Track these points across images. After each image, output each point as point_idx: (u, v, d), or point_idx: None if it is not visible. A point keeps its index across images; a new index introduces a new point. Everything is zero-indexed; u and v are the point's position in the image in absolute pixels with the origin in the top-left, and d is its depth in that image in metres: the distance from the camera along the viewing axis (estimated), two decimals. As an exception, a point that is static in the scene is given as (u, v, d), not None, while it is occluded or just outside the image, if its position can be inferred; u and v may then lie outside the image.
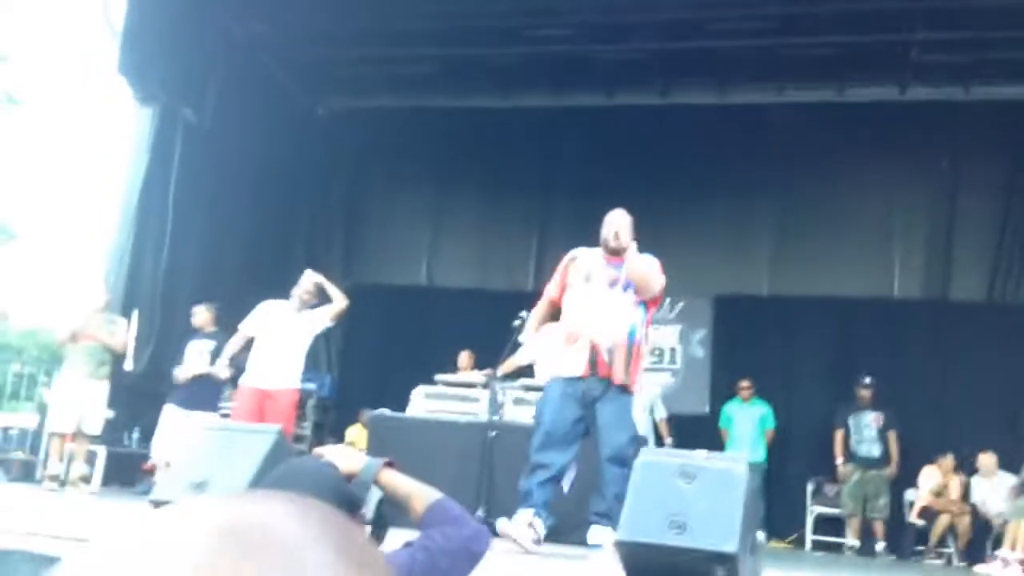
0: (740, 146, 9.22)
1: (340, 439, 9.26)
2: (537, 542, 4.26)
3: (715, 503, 2.69)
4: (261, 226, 9.29)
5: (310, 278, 6.30)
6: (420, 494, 1.88)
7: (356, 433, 8.77)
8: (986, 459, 8.08)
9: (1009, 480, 7.59)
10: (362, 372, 9.86)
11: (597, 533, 4.35)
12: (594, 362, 4.41)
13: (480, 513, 5.37)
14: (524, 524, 4.26)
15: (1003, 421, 7.60)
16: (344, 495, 1.81)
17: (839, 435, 8.49)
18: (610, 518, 4.11)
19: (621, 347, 4.42)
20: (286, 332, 6.17)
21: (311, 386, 8.96)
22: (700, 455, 2.92)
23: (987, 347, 8.54)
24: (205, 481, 3.07)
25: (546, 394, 4.58)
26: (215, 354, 6.71)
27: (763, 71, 8.77)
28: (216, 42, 8.40)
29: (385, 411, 6.15)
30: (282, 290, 6.64)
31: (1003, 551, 6.99)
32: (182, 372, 6.81)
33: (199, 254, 8.52)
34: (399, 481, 1.90)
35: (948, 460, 8.37)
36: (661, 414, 8.39)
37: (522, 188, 10.22)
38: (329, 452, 1.93)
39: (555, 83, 9.51)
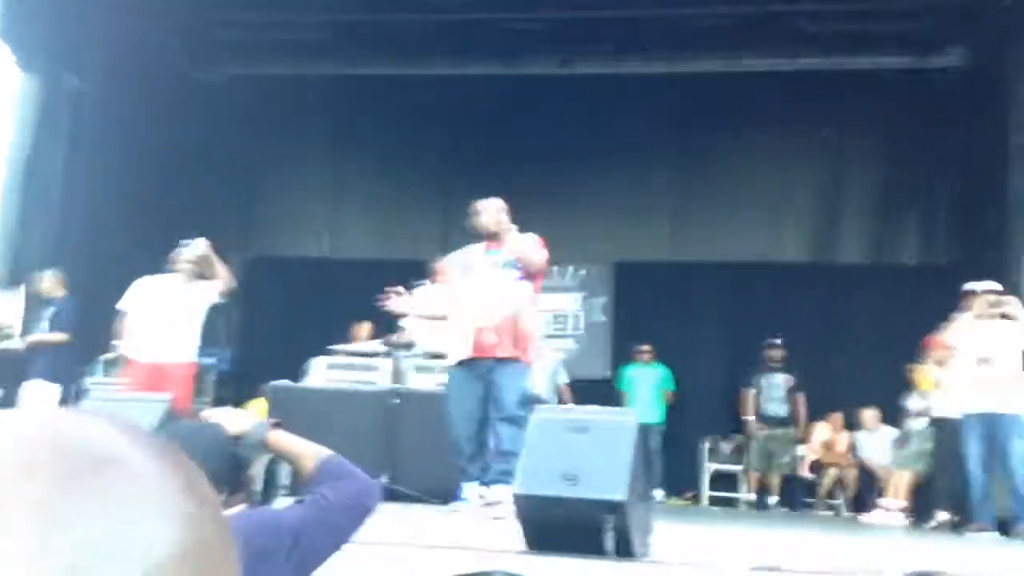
0: (638, 115, 9.37)
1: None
2: (490, 505, 4.47)
3: (605, 455, 2.79)
4: (155, 197, 8.99)
5: (197, 248, 6.11)
6: (310, 452, 1.89)
7: (258, 407, 8.65)
8: (868, 414, 8.50)
9: (892, 434, 8.00)
10: (263, 346, 9.70)
11: (497, 491, 4.46)
12: (480, 343, 4.70)
13: (384, 480, 5.41)
14: (476, 497, 4.61)
15: (889, 378, 7.99)
16: (232, 456, 1.81)
17: (750, 394, 8.76)
18: (509, 475, 4.26)
19: (506, 323, 4.71)
20: (176, 304, 6.00)
21: (210, 360, 8.74)
22: (592, 410, 3.01)
23: (873, 307, 8.96)
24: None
25: (449, 382, 4.95)
26: (53, 320, 6.54)
27: (659, 40, 8.89)
28: (102, 7, 8.07)
29: (284, 382, 6.09)
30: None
31: (886, 500, 7.40)
32: (28, 340, 6.64)
33: (89, 226, 8.22)
34: (288, 441, 1.91)
35: (837, 417, 8.78)
36: (563, 379, 8.53)
37: (425, 156, 10.17)
38: (216, 414, 1.92)
39: (455, 50, 9.43)
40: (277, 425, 1.95)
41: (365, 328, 7.56)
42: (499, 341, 4.68)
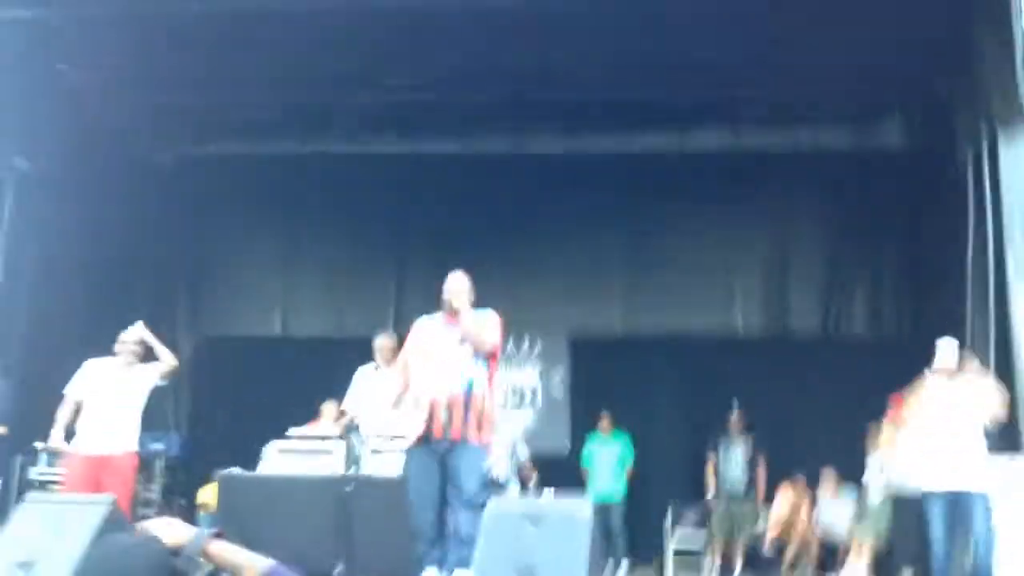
0: (591, 190, 9.49)
1: (192, 501, 8.87)
2: None
3: (560, 547, 2.73)
4: (101, 280, 8.84)
5: (135, 332, 5.99)
6: (251, 564, 1.82)
7: (210, 494, 8.42)
8: (828, 481, 8.49)
9: (851, 500, 8.01)
10: (215, 429, 9.49)
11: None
12: (435, 421, 4.67)
13: (339, 571, 5.25)
14: None
15: (847, 447, 8.03)
16: (170, 571, 1.73)
17: (711, 460, 8.75)
18: (469, 561, 4.22)
19: (458, 402, 4.68)
20: (117, 392, 5.84)
21: (158, 446, 8.55)
22: (546, 499, 2.95)
23: (826, 378, 9.05)
24: (31, 561, 2.87)
25: (407, 464, 4.90)
26: None
27: (609, 119, 9.07)
28: (49, 89, 8.03)
29: (234, 470, 5.92)
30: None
31: (848, 567, 7.37)
32: None
33: (31, 311, 8.01)
34: (228, 552, 1.84)
35: (788, 485, 8.76)
36: (523, 455, 8.45)
37: (378, 234, 10.18)
38: (153, 526, 1.84)
39: (407, 129, 9.55)
40: (218, 535, 1.88)
41: (331, 408, 7.42)
42: (453, 421, 4.65)
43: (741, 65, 8.23)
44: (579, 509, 2.84)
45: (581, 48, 7.97)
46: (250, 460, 6.17)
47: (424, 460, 4.71)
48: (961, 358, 6.00)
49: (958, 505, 5.71)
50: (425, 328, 5.02)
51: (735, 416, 8.76)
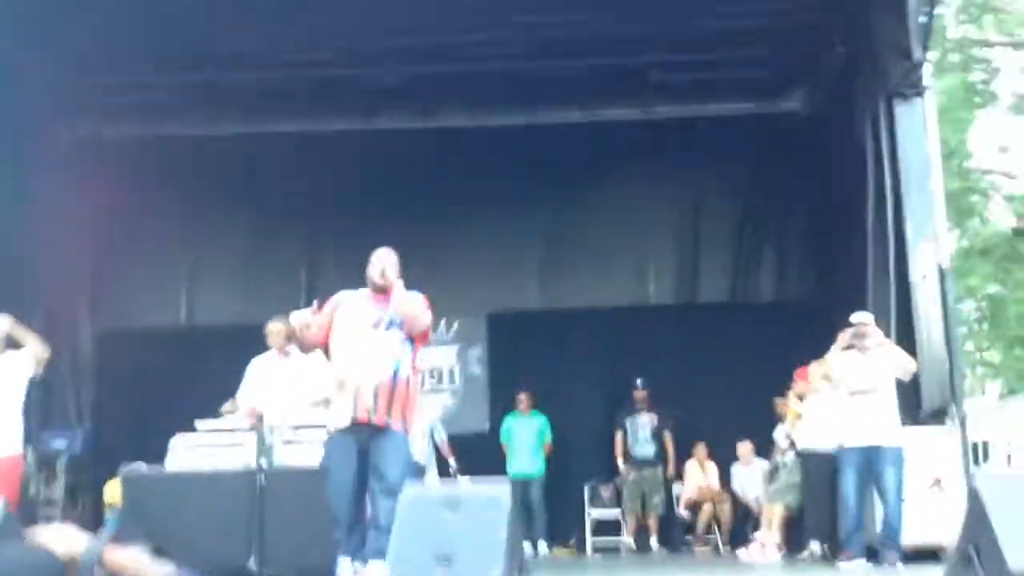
0: (502, 166, 9.43)
1: (98, 498, 8.55)
2: None
3: (479, 531, 2.68)
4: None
5: (2, 324, 5.61)
6: (150, 570, 1.71)
7: (117, 491, 8.12)
8: (743, 447, 8.71)
9: (763, 466, 8.19)
10: (120, 423, 9.13)
11: (375, 568, 4.27)
12: (360, 406, 4.43)
13: (252, 565, 5.11)
14: (350, 574, 4.35)
15: (757, 412, 8.21)
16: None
17: (618, 437, 8.90)
18: (386, 551, 4.12)
19: (386, 387, 4.46)
20: None
21: (60, 444, 8.21)
22: (464, 484, 2.89)
23: (735, 344, 9.21)
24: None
25: (328, 446, 4.62)
26: None
27: (518, 93, 9.01)
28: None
29: (139, 466, 5.69)
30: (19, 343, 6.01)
31: (760, 534, 7.53)
32: None
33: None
34: (127, 560, 1.72)
35: (701, 450, 8.95)
36: (441, 436, 8.37)
37: (287, 216, 9.90)
38: (46, 535, 1.71)
39: (313, 107, 9.29)
40: (116, 540, 1.75)
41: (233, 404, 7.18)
42: (380, 407, 4.43)
43: (647, 37, 8.27)
44: (497, 493, 2.79)
45: (486, 22, 7.88)
46: (157, 455, 5.95)
47: (345, 446, 4.48)
48: (867, 326, 6.14)
49: (872, 459, 5.89)
50: (349, 304, 4.67)
51: (639, 392, 8.86)
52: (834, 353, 6.22)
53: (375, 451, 4.43)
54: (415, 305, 4.60)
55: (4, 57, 7.72)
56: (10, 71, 7.99)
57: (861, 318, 6.21)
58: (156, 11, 7.29)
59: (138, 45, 7.88)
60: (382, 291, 4.60)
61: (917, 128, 6.93)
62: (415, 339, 4.64)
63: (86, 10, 7.22)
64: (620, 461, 8.89)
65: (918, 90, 6.90)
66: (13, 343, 5.64)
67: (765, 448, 8.12)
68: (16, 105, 8.37)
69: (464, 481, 2.98)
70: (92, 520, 8.53)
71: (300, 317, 4.55)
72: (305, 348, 4.79)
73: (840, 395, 6.18)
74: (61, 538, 1.75)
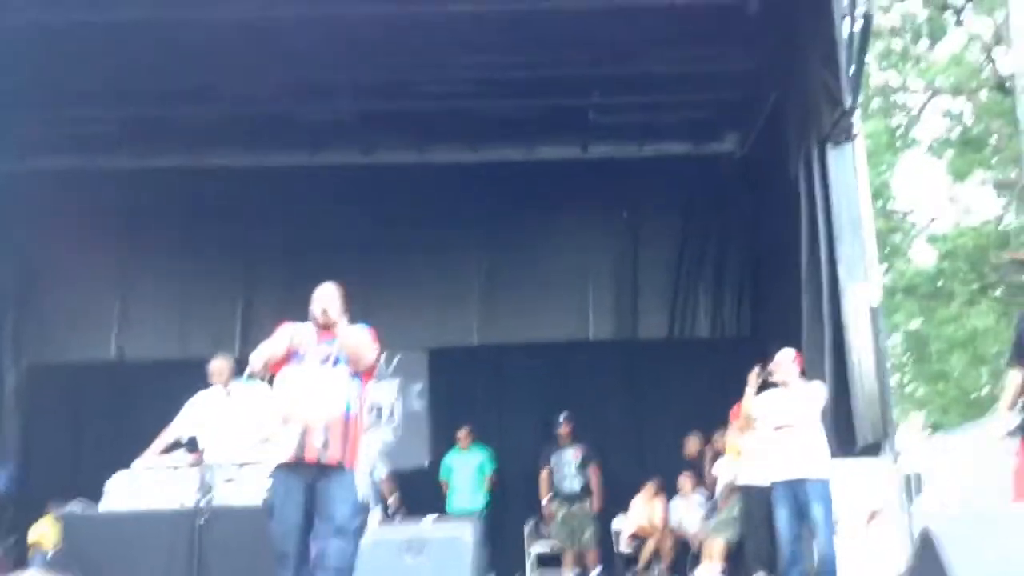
0: (443, 202, 9.46)
1: (22, 538, 8.25)
2: None
3: (443, 574, 2.67)
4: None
5: None
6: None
7: (43, 530, 7.84)
8: (683, 481, 8.78)
9: (701, 500, 8.29)
10: (48, 461, 8.84)
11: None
12: (308, 445, 4.36)
13: (195, 607, 4.99)
14: None
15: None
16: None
17: (544, 474, 8.83)
18: None
19: (336, 425, 4.41)
20: None
21: (-16, 483, 7.91)
22: (427, 524, 2.89)
23: (673, 379, 9.35)
24: None
25: (273, 483, 4.53)
26: None
27: (460, 131, 9.09)
28: None
29: (76, 506, 5.53)
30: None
31: (702, 567, 7.60)
32: None
33: None
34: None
35: (650, 486, 9.01)
36: (382, 473, 8.30)
37: (223, 250, 9.77)
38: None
39: (253, 142, 9.21)
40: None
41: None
42: (330, 444, 4.35)
43: (587, 79, 8.45)
44: (460, 533, 2.79)
45: (430, 60, 7.96)
46: (88, 493, 5.76)
47: (290, 484, 4.39)
48: (790, 364, 6.30)
49: (799, 492, 5.98)
50: (295, 337, 4.58)
51: (563, 427, 8.84)
52: (750, 391, 6.36)
53: (322, 491, 4.36)
54: (359, 341, 4.55)
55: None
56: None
57: (780, 355, 6.35)
58: (89, 47, 7.17)
59: (63, 79, 7.73)
60: (327, 327, 4.55)
61: (848, 172, 7.15)
62: (362, 375, 4.59)
63: (14, 44, 7.07)
64: (545, 500, 8.75)
65: (849, 136, 7.13)
66: None
67: (704, 483, 8.24)
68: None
69: (427, 521, 2.97)
70: (15, 561, 8.22)
71: (260, 356, 4.50)
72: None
73: (766, 431, 6.32)
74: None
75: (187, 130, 8.82)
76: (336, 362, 4.51)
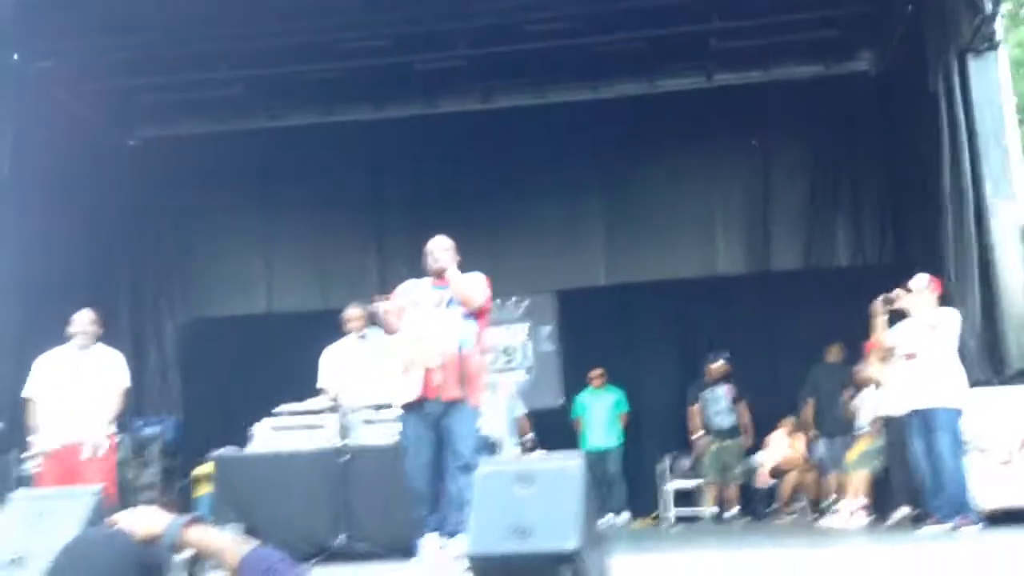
0: (564, 143, 9.43)
1: (189, 483, 8.88)
2: (454, 559, 4.33)
3: (554, 504, 2.73)
4: (80, 272, 8.69)
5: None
6: (231, 548, 1.80)
7: (205, 474, 8.44)
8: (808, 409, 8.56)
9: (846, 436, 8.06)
10: (207, 410, 9.45)
11: (459, 544, 4.36)
12: (429, 384, 4.65)
13: (340, 541, 5.29)
14: (433, 550, 4.53)
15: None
16: (144, 563, 1.71)
17: (694, 409, 8.82)
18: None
19: (452, 363, 4.65)
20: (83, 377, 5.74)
21: (154, 430, 8.54)
22: (537, 458, 2.95)
23: (810, 311, 9.05)
24: (22, 556, 2.86)
25: (403, 425, 4.87)
26: None
27: (577, 70, 8.98)
28: (3, 82, 7.84)
29: (228, 450, 5.91)
30: (111, 339, 6.30)
31: (846, 501, 7.43)
32: None
33: (13, 312, 7.86)
34: (206, 537, 1.81)
35: (789, 421, 8.85)
36: (519, 411, 8.48)
37: (355, 203, 10.09)
38: (125, 518, 1.81)
39: (375, 95, 9.42)
40: (195, 521, 1.85)
41: None
42: (447, 382, 4.63)
43: (706, 4, 8.14)
44: (570, 465, 2.84)
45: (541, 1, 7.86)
46: (242, 440, 6.16)
47: (418, 425, 4.70)
48: (918, 287, 5.97)
49: (927, 421, 5.75)
50: (412, 291, 4.96)
51: (716, 365, 8.77)
52: (881, 322, 6.09)
53: (447, 428, 4.64)
54: (468, 284, 4.83)
55: (64, 65, 8.01)
56: (73, 80, 8.28)
57: (912, 282, 6.03)
58: (215, 11, 7.44)
59: (191, 44, 8.05)
60: (440, 275, 4.87)
61: (991, 84, 6.70)
62: (476, 316, 4.84)
63: (143, 11, 7.41)
64: (699, 433, 8.77)
65: (991, 44, 6.66)
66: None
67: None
68: (82, 112, 8.69)
69: (537, 454, 3.09)
70: (184, 503, 8.89)
71: (385, 304, 4.87)
72: (388, 331, 4.99)
73: (899, 361, 6.07)
74: (139, 519, 1.82)
75: (308, 87, 9.07)
76: (449, 304, 4.79)
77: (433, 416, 4.65)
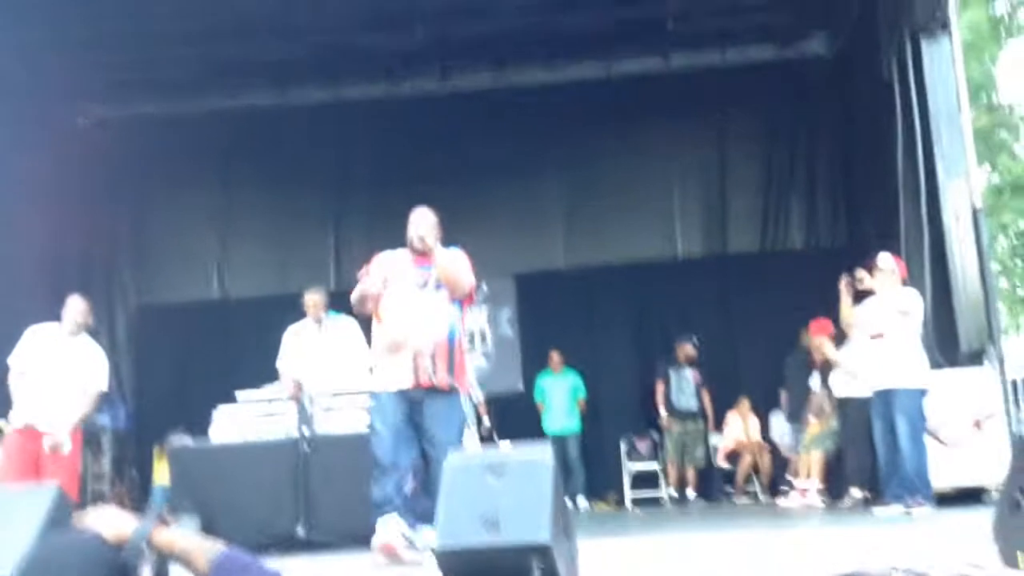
0: (523, 125, 9.37)
1: (142, 472, 8.75)
2: (411, 548, 4.18)
3: (524, 495, 2.71)
4: (29, 252, 8.45)
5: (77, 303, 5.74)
6: (201, 549, 1.75)
7: (160, 461, 8.31)
8: (783, 396, 8.67)
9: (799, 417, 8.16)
10: (160, 397, 9.29)
11: (427, 533, 4.29)
12: (419, 369, 4.35)
13: (300, 532, 5.22)
14: (395, 534, 4.18)
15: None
16: (114, 567, 1.65)
17: (660, 387, 8.88)
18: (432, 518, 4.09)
19: (442, 349, 4.39)
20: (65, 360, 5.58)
21: (104, 420, 8.37)
22: (506, 448, 2.92)
23: (767, 293, 9.14)
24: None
25: (378, 403, 4.46)
26: None
27: (536, 52, 8.92)
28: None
29: (185, 440, 5.80)
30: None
31: (800, 481, 7.54)
32: None
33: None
34: (175, 539, 1.76)
35: (744, 403, 8.96)
36: (478, 397, 8.44)
37: (312, 185, 9.95)
38: (94, 520, 1.75)
39: (333, 76, 9.27)
40: (164, 522, 1.79)
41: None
42: (442, 368, 4.34)
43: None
44: (540, 456, 2.81)
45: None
46: (197, 427, 6.04)
47: (396, 404, 4.33)
48: (885, 268, 6.04)
49: (888, 401, 5.81)
50: (392, 266, 4.52)
51: (688, 349, 8.82)
52: (846, 301, 6.16)
53: (431, 413, 4.33)
54: (457, 267, 4.47)
55: (19, 38, 7.74)
56: (28, 55, 8.02)
57: (878, 261, 6.09)
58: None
59: (145, 23, 7.83)
60: (423, 254, 4.47)
61: (944, 64, 6.78)
62: (462, 301, 4.54)
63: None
64: (663, 412, 8.82)
65: (944, 25, 6.73)
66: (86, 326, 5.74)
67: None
68: (35, 88, 8.42)
69: (504, 445, 3.02)
70: (139, 492, 8.75)
71: (361, 290, 4.46)
72: (363, 311, 4.61)
73: (863, 342, 6.15)
74: (109, 522, 1.78)
75: (265, 68, 8.90)
76: (436, 287, 4.45)
77: (414, 401, 4.34)
